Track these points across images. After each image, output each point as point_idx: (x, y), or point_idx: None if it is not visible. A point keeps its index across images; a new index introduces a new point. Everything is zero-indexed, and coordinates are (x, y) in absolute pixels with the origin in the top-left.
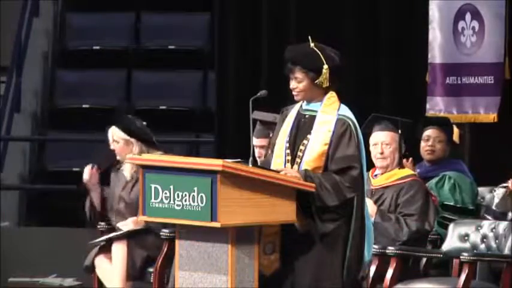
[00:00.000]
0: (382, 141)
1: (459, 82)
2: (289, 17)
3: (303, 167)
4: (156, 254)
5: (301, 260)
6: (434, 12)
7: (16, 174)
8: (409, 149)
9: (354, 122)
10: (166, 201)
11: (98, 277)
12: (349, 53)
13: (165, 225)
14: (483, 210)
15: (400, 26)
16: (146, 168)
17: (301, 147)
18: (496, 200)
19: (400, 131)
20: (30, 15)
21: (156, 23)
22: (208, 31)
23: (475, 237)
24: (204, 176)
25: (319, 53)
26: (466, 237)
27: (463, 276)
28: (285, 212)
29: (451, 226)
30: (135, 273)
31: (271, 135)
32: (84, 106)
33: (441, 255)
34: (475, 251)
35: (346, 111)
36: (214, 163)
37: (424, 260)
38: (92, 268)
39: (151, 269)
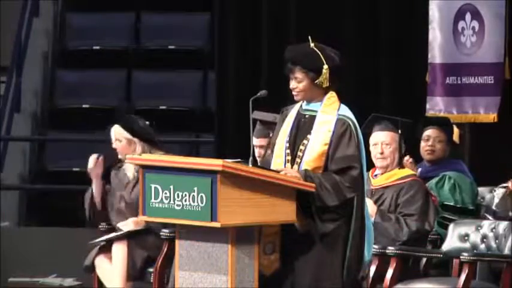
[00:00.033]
0: (382, 141)
1: (459, 82)
2: (289, 17)
3: (303, 167)
4: (157, 254)
5: (301, 260)
6: (434, 12)
7: (16, 174)
8: (409, 149)
9: (354, 122)
10: (166, 201)
11: (98, 277)
12: (349, 53)
13: (165, 225)
14: (483, 210)
15: (400, 26)
16: (146, 168)
17: (301, 147)
18: (496, 200)
19: (400, 131)
20: (30, 15)
21: (156, 23)
22: (208, 31)
23: (475, 237)
24: (204, 176)
25: (319, 53)
26: (466, 237)
27: (463, 276)
28: (285, 212)
29: (451, 226)
30: (135, 274)
31: (271, 135)
32: (84, 106)
33: (441, 255)
34: (475, 251)
35: (346, 111)
36: (214, 163)
37: (424, 260)
38: (92, 268)
39: (151, 269)
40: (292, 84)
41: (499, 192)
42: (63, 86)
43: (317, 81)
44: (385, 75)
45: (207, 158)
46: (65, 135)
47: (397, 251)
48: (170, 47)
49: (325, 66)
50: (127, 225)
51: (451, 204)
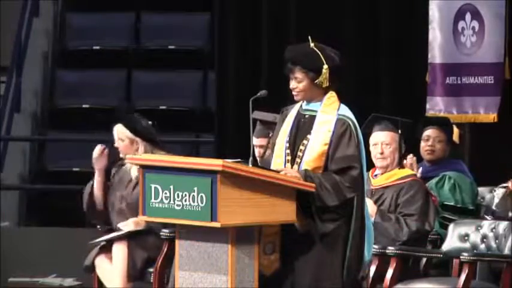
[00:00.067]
0: (382, 141)
1: (459, 82)
2: (289, 17)
3: (303, 167)
4: (157, 255)
5: (301, 260)
6: (434, 12)
7: (16, 174)
8: (409, 149)
9: (354, 122)
10: (166, 201)
11: (98, 277)
12: (349, 53)
13: (165, 225)
14: (483, 210)
15: (400, 26)
16: (146, 168)
17: (301, 147)
18: (496, 200)
19: (400, 131)
20: (30, 15)
21: (156, 23)
22: (208, 31)
23: (475, 237)
24: (204, 176)
25: (319, 53)
26: (466, 237)
27: (463, 276)
28: (285, 212)
29: (451, 226)
30: (135, 274)
31: (271, 135)
32: (84, 106)
33: (441, 255)
34: (475, 251)
35: (346, 111)
36: (214, 163)
37: (424, 260)
38: (92, 268)
39: (151, 269)
40: (292, 84)
41: (499, 192)
42: (63, 86)
43: (317, 81)
44: (385, 75)
45: (207, 158)
46: (65, 135)
47: (397, 251)
48: (170, 47)
49: (325, 66)
50: (127, 225)
51: (451, 204)
